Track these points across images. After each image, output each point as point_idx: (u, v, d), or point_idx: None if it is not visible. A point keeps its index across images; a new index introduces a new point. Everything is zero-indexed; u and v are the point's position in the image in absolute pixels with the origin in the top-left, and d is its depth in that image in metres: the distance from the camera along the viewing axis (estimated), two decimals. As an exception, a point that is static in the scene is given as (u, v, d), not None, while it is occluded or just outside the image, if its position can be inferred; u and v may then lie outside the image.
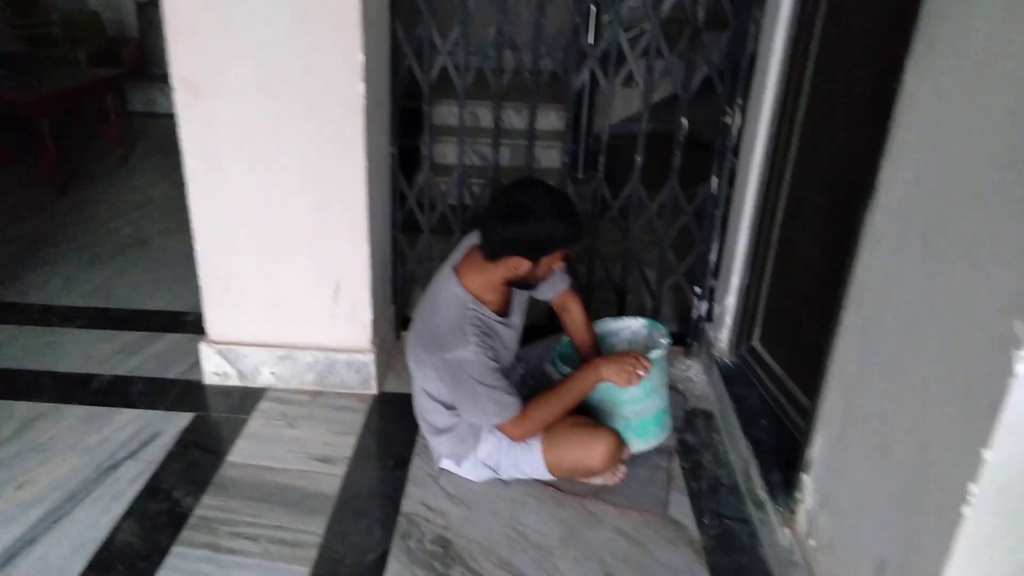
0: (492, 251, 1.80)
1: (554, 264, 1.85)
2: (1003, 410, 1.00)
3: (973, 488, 1.06)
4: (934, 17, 1.23)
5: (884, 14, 1.61)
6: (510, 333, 1.96)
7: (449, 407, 1.94)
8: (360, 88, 2.02)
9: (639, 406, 2.01)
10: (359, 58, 1.99)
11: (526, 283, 1.88)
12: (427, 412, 2.00)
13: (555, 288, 2.09)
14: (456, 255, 1.95)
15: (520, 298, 2.02)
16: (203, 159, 2.14)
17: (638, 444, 2.07)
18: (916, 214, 1.26)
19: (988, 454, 1.03)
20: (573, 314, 2.13)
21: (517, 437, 1.88)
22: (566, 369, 2.03)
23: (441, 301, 1.87)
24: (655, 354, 1.97)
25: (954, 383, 1.12)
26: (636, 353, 1.95)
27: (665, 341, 2.04)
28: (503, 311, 1.94)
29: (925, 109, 1.24)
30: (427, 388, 1.95)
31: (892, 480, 1.30)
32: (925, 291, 1.22)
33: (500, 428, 1.87)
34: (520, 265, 1.79)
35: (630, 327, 2.27)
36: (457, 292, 1.84)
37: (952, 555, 1.11)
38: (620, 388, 1.94)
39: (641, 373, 1.91)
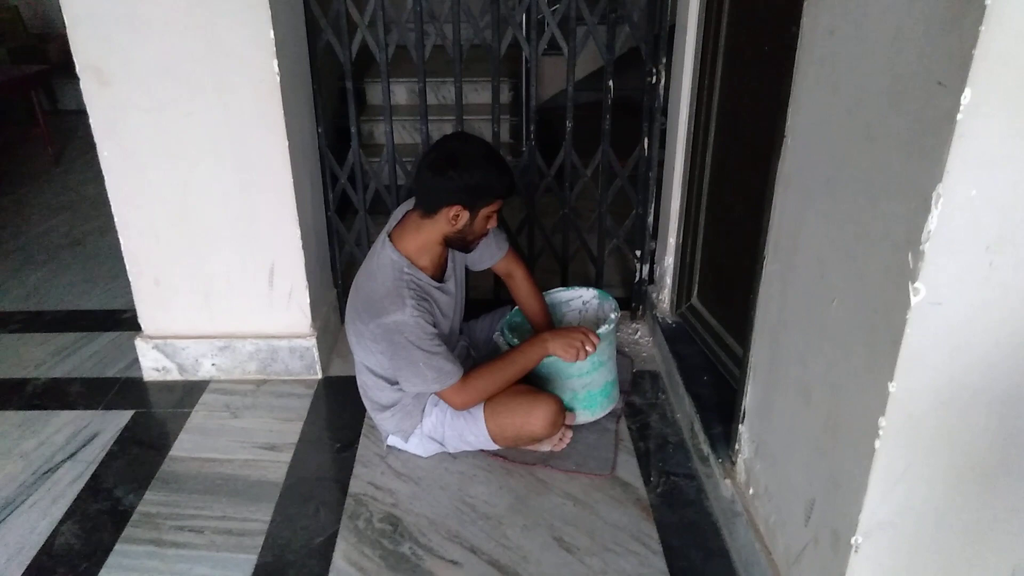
0: (429, 203, 1.79)
1: (489, 221, 1.85)
2: (903, 342, 1.02)
3: (882, 422, 1.08)
4: (826, -42, 1.23)
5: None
6: (447, 300, 1.94)
7: (392, 382, 1.93)
8: (273, 65, 1.98)
9: (587, 379, 2.02)
10: (269, 34, 1.94)
11: (463, 241, 1.87)
12: (370, 389, 1.99)
13: (494, 254, 2.08)
14: (390, 223, 1.94)
15: (457, 263, 2.00)
16: (117, 149, 2.08)
17: (584, 415, 2.08)
18: (819, 157, 1.27)
19: (893, 386, 1.05)
20: (518, 279, 2.12)
21: (458, 405, 1.87)
22: (515, 340, 2.03)
23: (375, 267, 1.85)
24: (603, 329, 1.98)
25: (860, 321, 1.14)
26: (584, 329, 1.95)
27: (614, 315, 2.05)
28: (439, 276, 1.92)
29: (821, 50, 1.25)
30: (368, 363, 1.94)
31: (814, 422, 1.32)
32: (830, 232, 1.24)
33: (441, 395, 1.86)
34: (459, 216, 1.78)
35: (581, 297, 2.28)
36: (392, 257, 1.83)
37: (868, 489, 1.13)
38: (565, 363, 1.95)
39: (589, 349, 1.92)
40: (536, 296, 2.14)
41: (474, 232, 1.85)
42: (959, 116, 0.89)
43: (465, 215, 1.79)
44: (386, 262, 1.83)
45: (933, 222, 0.95)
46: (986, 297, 1.00)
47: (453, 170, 1.74)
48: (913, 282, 0.99)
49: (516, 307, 2.19)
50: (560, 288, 2.30)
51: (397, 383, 1.92)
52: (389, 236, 1.88)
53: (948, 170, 0.92)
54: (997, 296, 1.00)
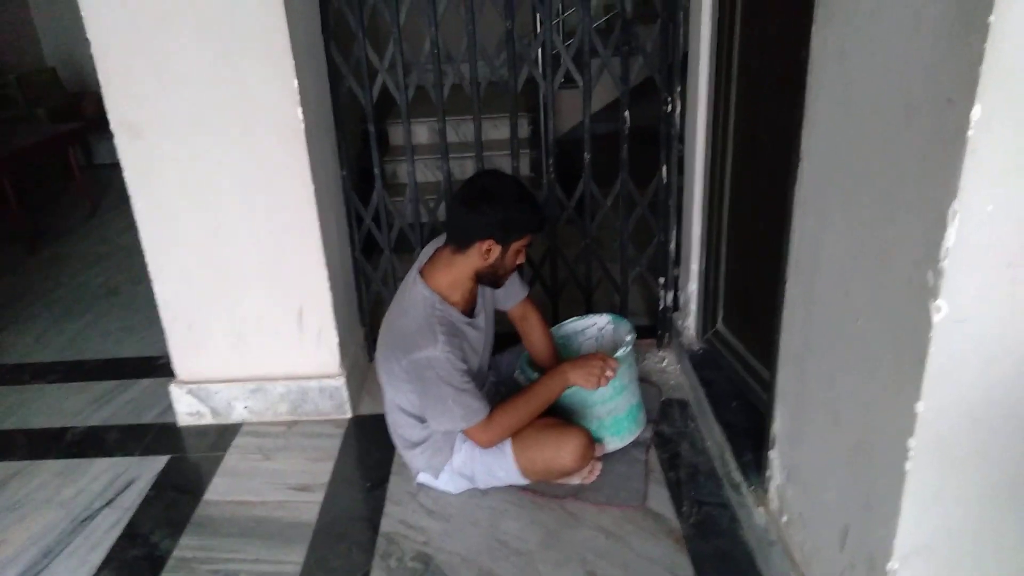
0: (462, 238, 1.82)
1: (519, 256, 1.88)
2: (928, 361, 1.01)
3: (911, 443, 1.06)
4: (829, -17, 1.25)
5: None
6: (476, 335, 1.96)
7: (422, 419, 1.94)
8: (298, 113, 2.03)
9: (611, 405, 2.02)
10: (293, 83, 2.00)
11: (495, 275, 1.88)
12: (400, 426, 2.00)
13: (519, 293, 2.10)
14: (420, 260, 1.97)
15: (486, 300, 2.02)
16: (149, 199, 2.14)
17: (614, 442, 2.07)
18: (836, 178, 1.27)
19: (920, 406, 1.03)
20: (533, 321, 2.14)
21: (485, 443, 1.88)
22: (534, 375, 2.04)
23: (407, 303, 1.87)
24: (620, 353, 1.97)
25: (885, 340, 1.13)
26: (602, 355, 1.95)
27: (629, 337, 2.04)
28: (469, 312, 1.94)
29: (832, 72, 1.26)
30: (398, 401, 1.95)
31: (844, 445, 1.30)
32: (851, 252, 1.23)
33: (467, 433, 1.87)
34: (492, 250, 1.80)
35: (596, 324, 2.28)
36: (424, 293, 1.85)
37: (902, 512, 1.11)
38: (587, 392, 1.95)
39: (609, 374, 1.91)
40: (548, 338, 2.16)
41: (505, 267, 1.86)
42: (970, 132, 0.89)
43: (497, 249, 1.81)
44: (418, 298, 1.85)
45: (951, 239, 0.95)
46: (1011, 312, 0.99)
47: (487, 205, 1.77)
48: (935, 300, 0.98)
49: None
50: (574, 318, 2.30)
51: (426, 420, 1.93)
52: (420, 273, 1.90)
53: (962, 186, 0.92)
54: (1022, 311, 0.99)
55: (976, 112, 0.88)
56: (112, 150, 2.11)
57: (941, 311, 0.98)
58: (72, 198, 4.96)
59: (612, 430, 2.06)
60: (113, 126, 2.07)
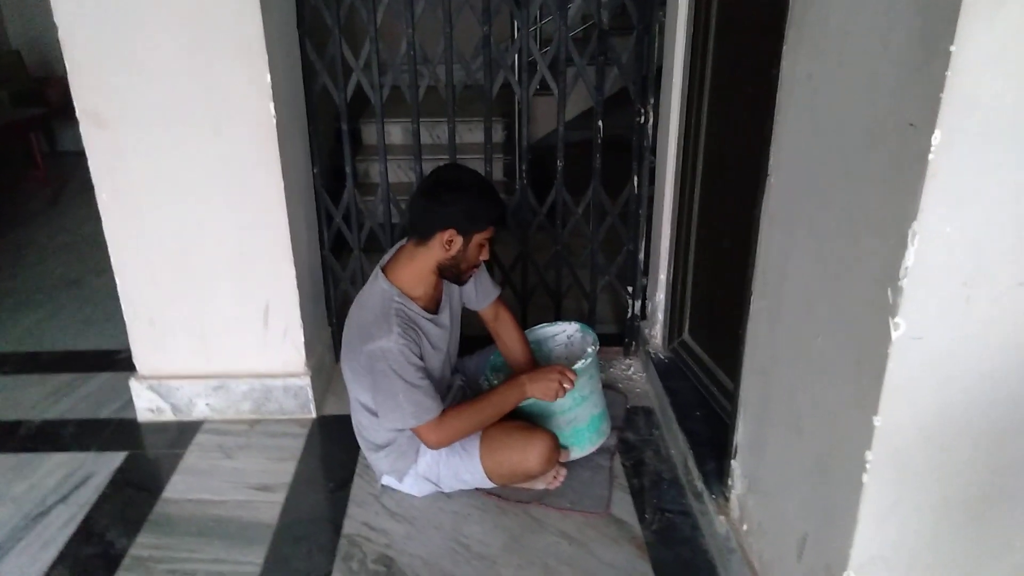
0: (423, 230, 1.81)
1: (482, 251, 1.86)
2: (886, 376, 1.03)
3: (869, 455, 1.09)
4: (800, 4, 1.27)
5: (764, 6, 1.66)
6: (439, 332, 1.94)
7: (380, 436, 1.93)
8: (270, 108, 2.02)
9: (570, 415, 2.03)
10: (267, 78, 1.98)
11: (456, 269, 1.87)
12: (364, 428, 1.99)
13: (490, 293, 2.10)
14: (384, 259, 1.96)
15: (453, 298, 2.02)
16: (114, 191, 2.11)
17: (575, 451, 2.09)
18: (802, 195, 1.30)
19: (878, 420, 1.06)
20: (505, 321, 2.14)
21: (433, 443, 1.86)
22: (495, 382, 2.04)
23: (366, 297, 1.87)
24: (579, 365, 1.96)
25: (846, 355, 1.16)
26: (560, 367, 1.93)
27: (590, 350, 2.04)
28: (432, 308, 1.93)
29: (800, 93, 1.29)
30: (362, 400, 1.94)
31: (805, 457, 1.33)
32: (815, 268, 1.26)
33: (416, 432, 1.85)
34: (453, 241, 1.79)
35: (565, 331, 2.29)
36: (383, 287, 1.85)
37: (859, 523, 1.14)
38: (545, 403, 1.95)
39: (567, 386, 1.91)
40: (521, 340, 2.15)
41: (467, 260, 1.86)
42: (930, 156, 0.92)
43: (459, 240, 1.80)
44: (376, 291, 1.85)
45: (910, 258, 0.98)
46: (966, 331, 1.02)
47: (448, 194, 1.78)
48: (893, 317, 1.01)
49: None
50: (545, 324, 2.31)
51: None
52: (383, 269, 1.90)
53: (922, 208, 0.95)
54: (976, 330, 1.02)
55: (937, 136, 0.91)
56: (76, 137, 2.07)
57: (899, 328, 1.01)
58: (33, 185, 4.84)
59: (572, 439, 2.07)
60: (79, 114, 2.03)
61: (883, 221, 1.03)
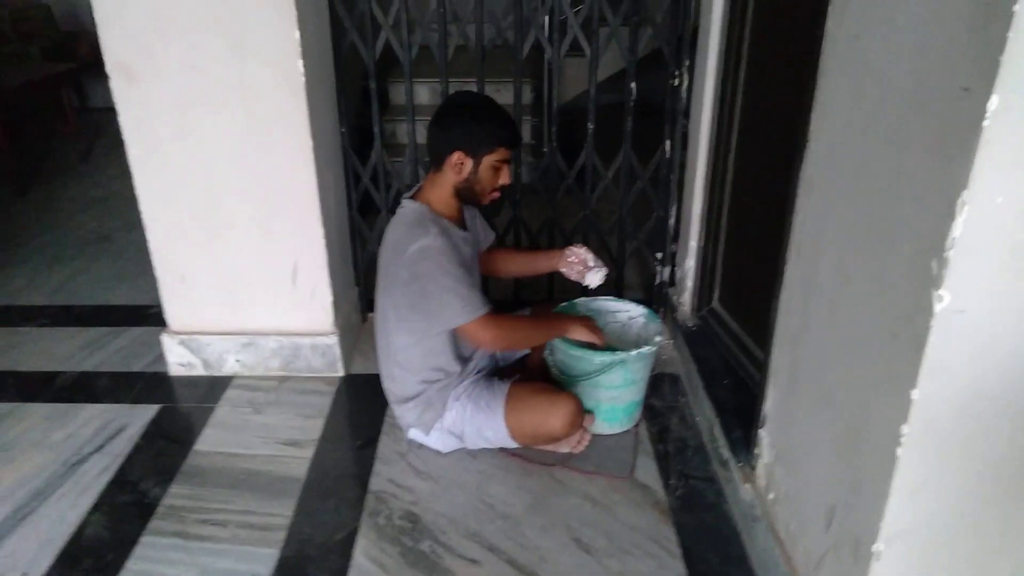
0: (436, 156, 1.87)
1: (500, 175, 1.89)
2: (926, 350, 1.01)
3: (904, 429, 1.07)
4: (851, -38, 1.23)
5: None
6: (469, 251, 1.97)
7: (418, 370, 1.95)
8: (299, 66, 2.00)
9: (614, 393, 2.04)
10: (295, 34, 1.96)
11: (472, 192, 1.90)
12: (396, 379, 2.01)
13: (489, 234, 2.19)
14: (407, 194, 2.00)
15: (474, 222, 2.07)
16: (144, 147, 2.12)
17: (603, 426, 2.10)
18: (843, 160, 1.27)
19: (916, 394, 1.05)
20: (504, 250, 2.27)
21: (487, 340, 1.85)
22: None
23: (398, 219, 1.91)
24: (646, 350, 2.00)
25: (883, 327, 1.14)
26: (593, 326, 2.04)
27: (659, 338, 2.06)
28: (460, 226, 1.97)
29: (845, 55, 1.25)
30: (398, 341, 1.94)
31: (835, 428, 1.32)
32: (853, 238, 1.23)
33: (467, 329, 1.84)
34: (463, 163, 1.84)
35: (629, 312, 2.26)
36: (412, 207, 1.89)
37: (890, 496, 1.13)
38: (601, 372, 1.98)
39: (597, 341, 1.99)
40: (522, 252, 2.32)
41: (481, 183, 1.88)
42: (985, 122, 0.88)
43: (468, 162, 1.84)
44: (407, 210, 1.90)
45: (958, 229, 0.95)
46: (1011, 304, 1.00)
47: (453, 118, 1.84)
48: (937, 289, 0.98)
49: (558, 307, 2.21)
50: (610, 298, 2.29)
51: (423, 372, 1.94)
52: (408, 198, 1.95)
53: (973, 176, 0.92)
54: (1022, 303, 0.99)
55: (993, 102, 0.88)
56: (107, 94, 2.07)
57: (943, 301, 0.98)
58: (65, 141, 4.88)
59: (605, 416, 2.08)
60: (109, 69, 2.03)
61: (929, 190, 1.00)
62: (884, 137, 1.13)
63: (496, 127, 1.84)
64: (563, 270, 2.15)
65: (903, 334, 1.07)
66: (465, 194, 1.90)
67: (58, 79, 4.60)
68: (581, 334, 1.99)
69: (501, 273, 2.27)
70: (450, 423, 1.98)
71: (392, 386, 2.04)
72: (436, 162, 1.88)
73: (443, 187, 1.89)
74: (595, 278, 2.09)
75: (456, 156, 1.83)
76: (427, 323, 1.88)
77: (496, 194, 1.94)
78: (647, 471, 1.99)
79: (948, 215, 0.95)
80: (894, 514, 1.14)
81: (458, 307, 1.80)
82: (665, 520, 1.83)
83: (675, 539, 1.76)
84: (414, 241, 1.79)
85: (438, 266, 1.78)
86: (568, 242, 2.60)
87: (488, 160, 1.85)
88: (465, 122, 1.83)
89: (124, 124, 2.10)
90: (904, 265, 1.07)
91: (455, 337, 1.96)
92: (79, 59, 5.36)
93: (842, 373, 1.29)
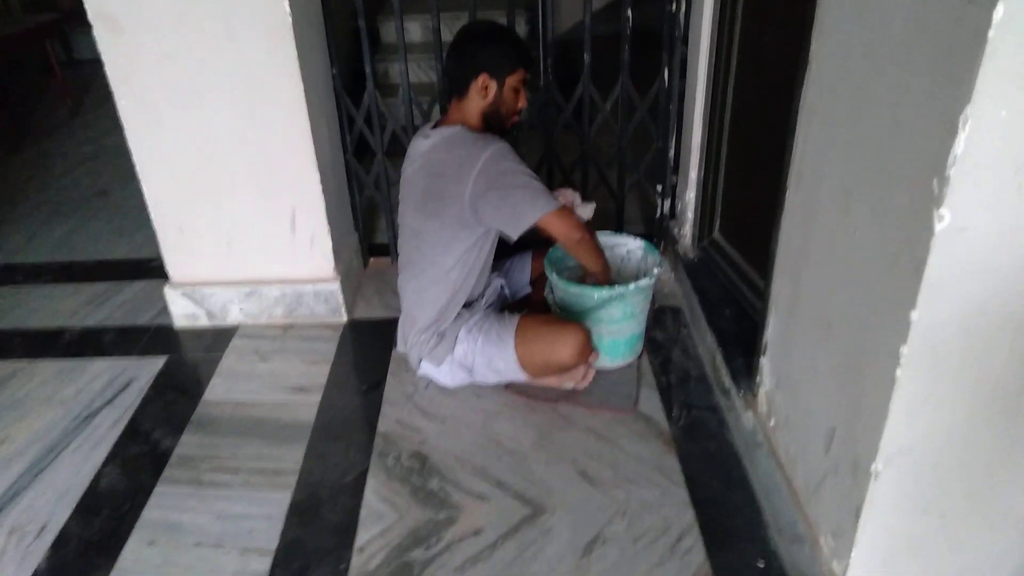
0: (459, 84, 1.90)
1: (519, 98, 1.93)
2: (926, 270, 1.00)
3: (904, 350, 1.07)
4: None
5: None
6: None
7: (438, 303, 1.96)
8: (284, 6, 1.94)
9: (615, 327, 2.04)
10: (279, -25, 1.90)
11: (499, 116, 1.93)
12: (417, 305, 2.00)
13: None
14: (429, 124, 2.01)
15: None
16: (133, 98, 2.08)
17: (605, 361, 2.11)
18: (844, 85, 1.23)
19: (915, 315, 1.04)
20: None
21: (567, 230, 1.90)
22: (554, 274, 2.06)
23: (447, 141, 1.89)
24: (644, 282, 1.99)
25: (883, 250, 1.12)
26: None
27: (657, 270, 2.05)
28: None
29: (847, -30, 1.20)
30: (438, 261, 1.94)
31: (835, 353, 1.32)
32: (855, 162, 1.21)
33: (548, 221, 1.87)
34: (488, 86, 1.88)
35: (627, 246, 2.25)
36: (456, 129, 1.91)
37: (889, 417, 1.13)
38: (601, 307, 1.98)
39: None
40: None
41: (506, 104, 1.92)
42: (991, 33, 0.85)
43: (493, 84, 1.89)
44: (451, 133, 1.90)
45: (960, 146, 0.92)
46: (1013, 221, 0.98)
47: (473, 44, 1.88)
48: (938, 208, 0.97)
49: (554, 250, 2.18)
50: (608, 232, 2.27)
51: (458, 284, 1.96)
52: (432, 127, 1.96)
53: (977, 90, 0.89)
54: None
55: (999, 12, 0.84)
56: (93, 46, 2.02)
57: (944, 220, 0.97)
58: (53, 95, 4.80)
59: (608, 350, 2.09)
60: (91, 19, 1.97)
61: (932, 106, 0.97)
62: (887, 55, 1.10)
63: (514, 48, 1.89)
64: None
65: (903, 256, 1.06)
66: (492, 118, 1.93)
67: (41, 31, 4.49)
68: (603, 276, 2.02)
69: None
70: (460, 356, 1.99)
71: (414, 312, 2.02)
72: (460, 90, 1.90)
73: (471, 113, 1.92)
74: (585, 212, 2.07)
75: (482, 79, 1.87)
76: (513, 221, 1.86)
77: (517, 118, 1.98)
78: (650, 403, 2.01)
79: (951, 132, 0.93)
80: (893, 434, 1.15)
81: (545, 199, 1.86)
82: (668, 450, 1.85)
83: (678, 468, 1.79)
84: (484, 149, 1.83)
85: (517, 162, 1.86)
86: (567, 178, 2.58)
87: (510, 81, 1.90)
88: (486, 45, 1.87)
89: (112, 77, 2.06)
90: (905, 186, 1.05)
91: (486, 263, 2.01)
92: (61, 9, 5.23)
93: (843, 298, 1.29)
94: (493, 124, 1.94)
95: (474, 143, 1.85)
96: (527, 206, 1.84)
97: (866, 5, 1.15)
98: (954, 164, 0.93)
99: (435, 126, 1.96)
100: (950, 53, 0.94)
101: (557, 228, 1.90)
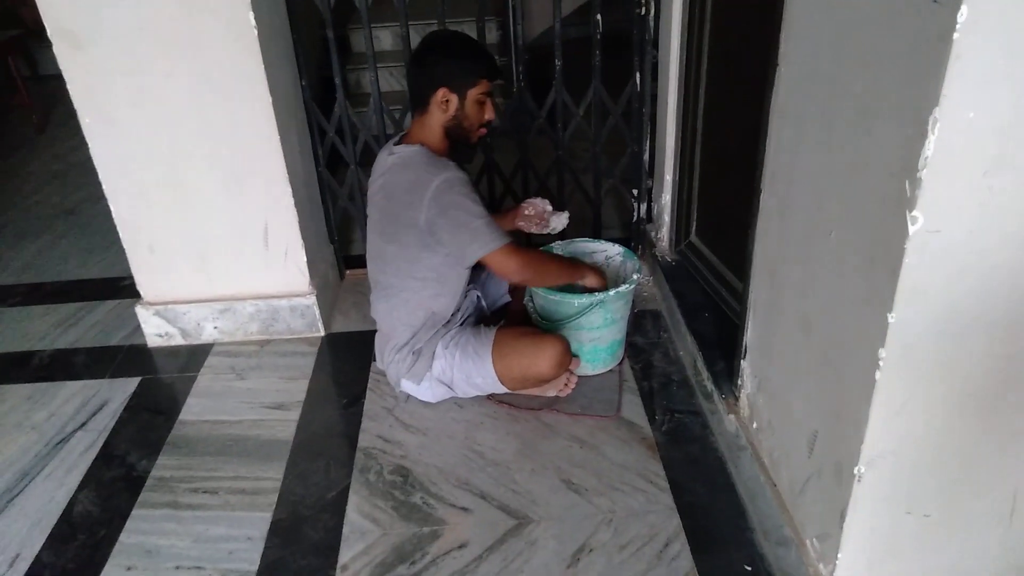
0: (420, 97, 1.84)
1: (485, 110, 1.86)
2: (902, 272, 1.00)
3: (882, 353, 1.07)
4: None
5: None
6: None
7: (424, 307, 1.93)
8: (250, 18, 1.91)
9: (596, 334, 2.03)
10: (243, -14, 1.88)
11: (462, 130, 1.87)
12: (392, 328, 1.98)
13: None
14: (393, 140, 1.95)
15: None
16: (98, 115, 2.04)
17: (586, 368, 2.10)
18: (813, 85, 1.23)
19: (892, 317, 1.04)
20: None
21: (514, 267, 1.84)
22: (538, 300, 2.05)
23: (401, 163, 1.85)
24: (624, 288, 1.98)
25: (859, 252, 1.12)
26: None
27: (636, 276, 2.04)
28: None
29: (813, -27, 1.20)
30: (410, 273, 1.90)
31: (814, 355, 1.32)
32: (826, 162, 1.21)
33: (494, 259, 1.82)
34: (449, 100, 1.82)
35: (606, 252, 2.24)
36: (415, 149, 1.85)
37: (870, 420, 1.13)
38: (581, 314, 1.97)
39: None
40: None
41: (469, 119, 1.86)
42: (955, 35, 0.85)
43: (453, 98, 1.82)
44: (411, 152, 1.85)
45: (930, 148, 0.92)
46: (985, 221, 0.98)
47: (433, 55, 1.81)
48: (911, 210, 0.97)
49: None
50: (586, 239, 2.27)
51: (419, 316, 1.93)
52: (395, 144, 1.91)
53: (945, 93, 0.89)
54: (996, 220, 0.98)
55: (963, 13, 0.84)
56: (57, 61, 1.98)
57: (917, 222, 0.97)
58: (18, 113, 4.71)
59: (590, 357, 2.08)
60: (51, 35, 1.93)
61: (901, 108, 0.97)
62: (855, 56, 1.10)
63: (475, 60, 1.82)
64: (520, 225, 2.14)
65: (879, 257, 1.06)
66: (455, 132, 1.87)
67: (3, 47, 4.41)
68: (594, 282, 2.00)
69: None
70: (439, 372, 1.97)
71: (393, 329, 1.99)
72: (421, 103, 1.84)
73: (433, 129, 1.86)
74: (559, 222, 2.07)
75: (441, 93, 1.81)
76: (455, 256, 1.84)
77: (483, 131, 1.92)
78: (633, 408, 2.00)
79: (920, 134, 0.93)
80: (874, 437, 1.15)
81: (488, 236, 1.79)
82: (652, 455, 1.84)
83: (663, 473, 1.79)
84: (435, 175, 1.77)
85: (465, 196, 1.79)
86: (543, 185, 2.57)
87: (472, 94, 1.83)
88: (445, 58, 1.80)
89: (74, 93, 2.02)
90: (878, 187, 1.05)
91: (458, 281, 1.95)
92: (24, 24, 5.13)
93: (820, 300, 1.28)
94: (457, 139, 1.89)
95: (426, 168, 1.79)
96: (479, 238, 1.79)
97: (833, 5, 1.15)
98: (925, 166, 0.93)
99: (399, 142, 1.92)
100: (917, 55, 0.94)
101: (501, 267, 1.84)
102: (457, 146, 1.91)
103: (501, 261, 1.82)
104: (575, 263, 2.03)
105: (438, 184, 1.76)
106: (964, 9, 0.84)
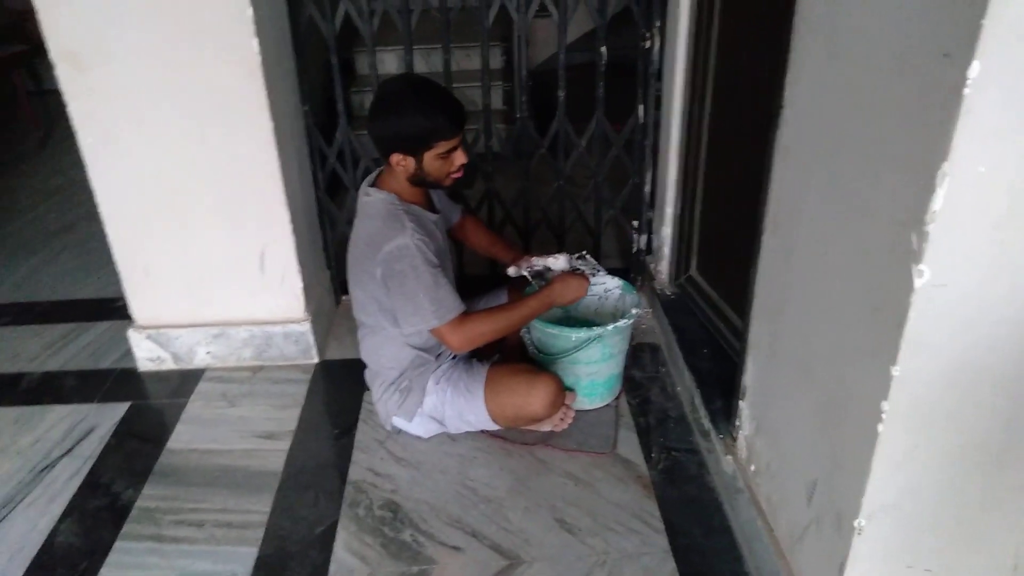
0: (380, 151, 1.78)
1: (454, 157, 1.77)
2: (907, 325, 0.98)
3: (885, 405, 1.04)
4: (822, -83, 1.16)
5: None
6: (440, 236, 1.91)
7: (396, 357, 1.91)
8: (254, 44, 1.90)
9: (593, 368, 2.00)
10: (248, 11, 1.86)
11: (431, 183, 1.82)
12: (378, 366, 1.96)
13: (452, 209, 2.11)
14: (369, 178, 1.91)
15: (440, 201, 2.01)
16: (98, 136, 2.02)
17: (583, 403, 2.07)
18: (819, 129, 1.21)
19: (896, 370, 1.01)
20: (471, 222, 2.19)
21: (455, 345, 1.81)
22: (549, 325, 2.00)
23: (366, 210, 1.83)
24: (622, 323, 1.95)
25: (863, 301, 1.10)
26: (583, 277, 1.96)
27: (635, 311, 2.01)
28: (429, 208, 1.91)
29: (820, 16, 1.19)
30: (374, 323, 1.89)
31: (815, 401, 1.29)
32: (832, 208, 1.19)
33: (438, 333, 1.79)
34: (406, 163, 1.74)
35: (605, 285, 2.20)
36: (379, 196, 1.80)
37: (872, 472, 1.10)
38: (579, 348, 1.94)
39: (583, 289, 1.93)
40: (489, 231, 2.22)
41: (432, 174, 1.77)
42: (966, 90, 0.83)
43: (409, 161, 1.74)
44: (374, 202, 1.80)
45: (938, 201, 0.90)
46: (993, 276, 0.96)
47: (382, 119, 1.70)
48: (917, 264, 0.94)
49: (530, 287, 2.11)
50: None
51: (404, 356, 1.90)
52: (370, 185, 1.86)
53: (955, 146, 0.87)
54: (1005, 275, 0.96)
55: (975, 68, 0.82)
56: (64, 76, 1.97)
57: (923, 276, 0.94)
58: (21, 127, 4.71)
59: (586, 392, 2.06)
60: (54, 57, 1.93)
61: (908, 160, 0.95)
62: (861, 103, 1.08)
63: (429, 120, 1.68)
64: (515, 273, 2.09)
65: (883, 309, 1.03)
66: (423, 184, 1.82)
67: (8, 62, 4.42)
68: (571, 293, 1.90)
69: (467, 243, 2.24)
70: (430, 408, 1.94)
71: (379, 370, 1.97)
72: (382, 157, 1.79)
73: (399, 179, 1.80)
74: (559, 263, 2.02)
75: (395, 158, 1.73)
76: (398, 319, 1.82)
77: (458, 174, 1.82)
78: (629, 445, 1.97)
79: (929, 187, 0.91)
80: (876, 489, 1.12)
81: (430, 312, 1.74)
82: (648, 494, 1.81)
83: (658, 513, 1.75)
84: (389, 239, 1.72)
85: (413, 268, 1.72)
86: (544, 214, 2.55)
87: (430, 155, 1.73)
88: (394, 123, 1.69)
89: (74, 114, 2.01)
90: (884, 237, 1.03)
91: None
92: (31, 40, 5.14)
93: (822, 346, 1.26)
94: (427, 186, 1.84)
95: (385, 224, 1.74)
96: (419, 313, 1.75)
97: (841, 48, 1.14)
98: (933, 220, 0.91)
99: (374, 181, 1.86)
100: (927, 106, 0.92)
101: (446, 341, 1.81)
102: (431, 189, 1.88)
103: (442, 335, 1.79)
104: (541, 295, 1.90)
105: (389, 250, 1.72)
106: (976, 64, 0.82)
